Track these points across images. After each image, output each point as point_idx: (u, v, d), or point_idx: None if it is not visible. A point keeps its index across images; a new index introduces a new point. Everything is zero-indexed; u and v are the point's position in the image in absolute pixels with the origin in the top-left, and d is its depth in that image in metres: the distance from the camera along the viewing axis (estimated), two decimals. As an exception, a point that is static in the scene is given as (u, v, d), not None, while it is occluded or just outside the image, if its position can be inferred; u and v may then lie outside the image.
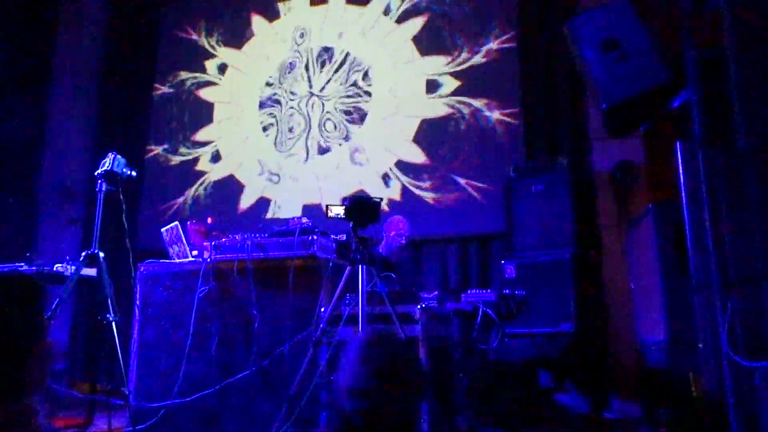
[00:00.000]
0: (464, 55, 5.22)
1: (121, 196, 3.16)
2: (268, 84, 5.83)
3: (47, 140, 5.79)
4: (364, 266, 2.62)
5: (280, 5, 5.96)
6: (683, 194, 2.61)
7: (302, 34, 5.80)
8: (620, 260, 4.23)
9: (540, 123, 4.96)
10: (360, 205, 2.69)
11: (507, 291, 3.26)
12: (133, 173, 3.25)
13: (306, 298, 2.93)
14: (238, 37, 6.05)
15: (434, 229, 4.93)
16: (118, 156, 3.19)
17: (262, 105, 5.81)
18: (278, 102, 5.76)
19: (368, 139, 5.39)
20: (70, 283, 3.05)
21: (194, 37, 6.19)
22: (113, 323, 2.93)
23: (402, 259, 4.13)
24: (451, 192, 5.03)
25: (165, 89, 6.16)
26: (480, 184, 4.95)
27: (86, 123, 6.09)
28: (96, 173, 3.17)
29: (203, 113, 6.01)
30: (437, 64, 5.28)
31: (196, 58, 6.14)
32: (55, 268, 3.35)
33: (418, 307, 2.73)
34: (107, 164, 3.15)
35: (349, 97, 5.51)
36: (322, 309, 2.83)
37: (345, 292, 2.74)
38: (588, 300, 4.10)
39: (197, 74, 6.11)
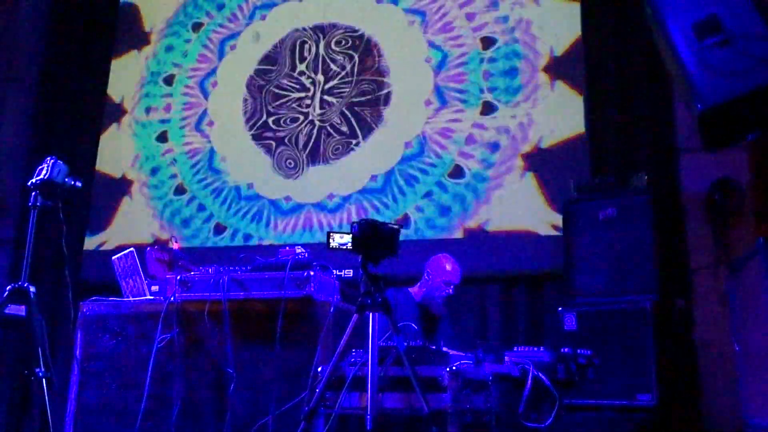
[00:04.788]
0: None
1: (62, 214, 3.16)
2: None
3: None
4: (377, 314, 2.57)
5: None
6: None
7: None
8: (718, 312, 4.16)
9: (610, 129, 4.94)
10: (372, 233, 2.66)
11: (566, 349, 3.17)
12: (78, 183, 3.25)
13: (298, 354, 2.92)
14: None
15: (468, 266, 4.87)
16: (60, 162, 3.20)
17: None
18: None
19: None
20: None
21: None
22: (44, 380, 2.90)
23: (444, 315, 4.10)
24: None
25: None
26: (530, 209, 4.91)
27: (22, 120, 6.17)
28: (29, 183, 3.17)
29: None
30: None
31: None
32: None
33: (447, 369, 2.66)
34: (45, 172, 3.17)
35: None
36: (320, 368, 2.79)
37: (350, 346, 2.69)
38: (675, 364, 4.03)
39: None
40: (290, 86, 5.73)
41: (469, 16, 5.40)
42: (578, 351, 3.19)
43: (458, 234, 5.04)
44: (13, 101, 6.16)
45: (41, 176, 3.16)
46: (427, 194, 5.18)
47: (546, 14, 5.22)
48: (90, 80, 6.26)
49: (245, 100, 5.84)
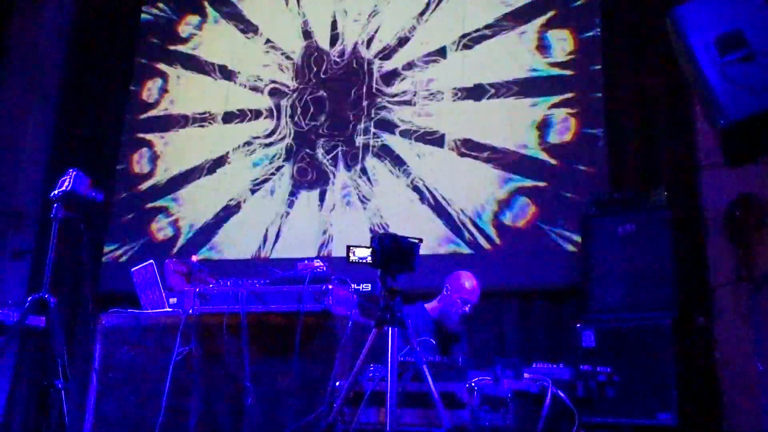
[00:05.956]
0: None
1: (83, 225, 3.18)
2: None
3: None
4: (396, 329, 2.55)
5: None
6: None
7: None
8: (740, 330, 4.11)
9: (630, 143, 4.91)
10: (392, 248, 2.64)
11: (586, 367, 3.14)
12: (100, 196, 3.27)
13: (316, 368, 2.90)
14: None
15: (486, 280, 4.85)
16: (82, 174, 3.22)
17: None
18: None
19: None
20: (11, 335, 3.05)
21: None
22: (63, 391, 2.91)
23: (460, 332, 4.06)
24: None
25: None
26: (548, 224, 4.89)
27: (43, 132, 6.21)
28: (51, 195, 3.19)
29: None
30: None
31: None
32: (-9, 315, 3.37)
33: (467, 386, 2.64)
34: (67, 184, 3.19)
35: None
36: (338, 383, 2.77)
37: (369, 361, 2.67)
38: (696, 382, 3.96)
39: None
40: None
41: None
42: (598, 368, 3.16)
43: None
44: (36, 113, 6.21)
45: (63, 188, 3.19)
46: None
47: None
48: (112, 93, 6.31)
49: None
